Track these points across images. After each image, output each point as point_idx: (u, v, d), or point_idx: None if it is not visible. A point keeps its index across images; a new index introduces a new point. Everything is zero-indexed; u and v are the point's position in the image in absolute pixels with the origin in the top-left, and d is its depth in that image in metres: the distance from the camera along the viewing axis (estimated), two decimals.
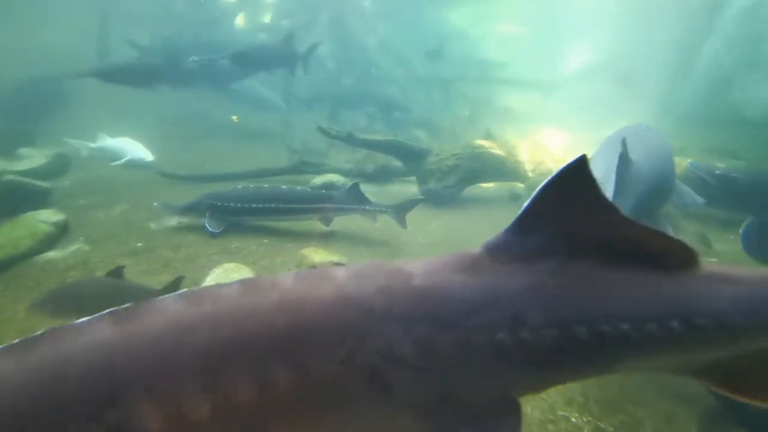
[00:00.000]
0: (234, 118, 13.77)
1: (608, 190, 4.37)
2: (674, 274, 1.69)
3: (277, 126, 14.59)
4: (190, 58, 10.60)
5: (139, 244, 6.45)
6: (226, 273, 4.93)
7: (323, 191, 7.44)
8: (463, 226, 7.84)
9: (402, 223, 7.03)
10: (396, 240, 7.10)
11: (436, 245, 6.90)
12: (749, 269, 1.80)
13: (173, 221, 7.41)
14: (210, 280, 4.78)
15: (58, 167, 9.36)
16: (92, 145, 9.35)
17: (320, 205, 7.00)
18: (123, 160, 8.86)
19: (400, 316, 1.51)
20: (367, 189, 9.36)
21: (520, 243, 1.71)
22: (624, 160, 4.49)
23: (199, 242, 6.62)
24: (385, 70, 20.27)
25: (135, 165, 9.09)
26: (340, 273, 1.66)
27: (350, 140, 9.60)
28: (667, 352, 1.70)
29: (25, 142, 10.45)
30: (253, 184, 7.53)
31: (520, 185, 9.26)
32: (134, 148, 9.06)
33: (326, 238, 7.02)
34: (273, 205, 6.85)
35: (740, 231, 6.61)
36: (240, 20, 24.88)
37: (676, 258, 1.70)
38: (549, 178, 1.66)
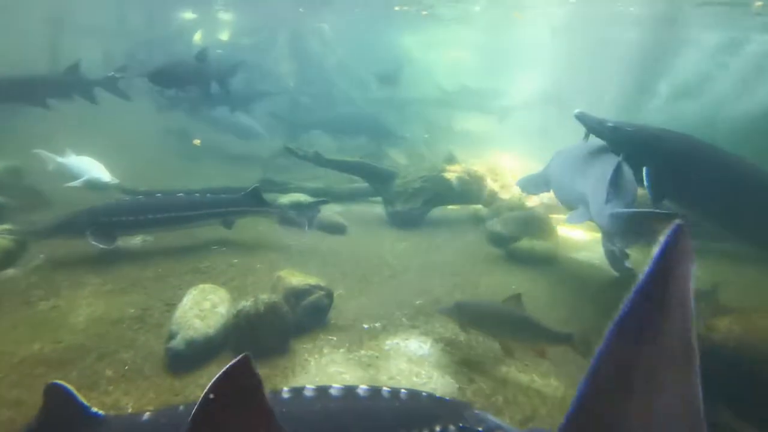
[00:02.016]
0: (196, 141, 13.46)
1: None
2: None
3: (262, 151, 14.22)
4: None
5: (103, 263, 6.22)
6: (202, 294, 4.83)
7: (222, 195, 7.26)
8: (429, 248, 7.95)
9: (304, 225, 7.19)
10: (367, 261, 7.12)
11: (407, 269, 6.94)
12: None
13: (138, 238, 7.22)
14: (187, 301, 4.67)
15: (11, 181, 8.94)
16: (60, 159, 8.91)
17: (220, 210, 6.92)
18: (79, 181, 8.44)
19: None
20: (333, 209, 9.46)
21: None
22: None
23: (168, 261, 6.48)
24: (342, 91, 20.40)
25: (92, 185, 8.73)
26: None
27: (317, 160, 9.61)
28: None
29: None
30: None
31: (484, 209, 9.47)
32: (93, 168, 8.64)
33: (294, 258, 6.98)
34: (169, 215, 6.50)
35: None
36: (198, 37, 24.58)
37: None
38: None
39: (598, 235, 8.80)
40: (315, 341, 4.80)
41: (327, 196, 10.04)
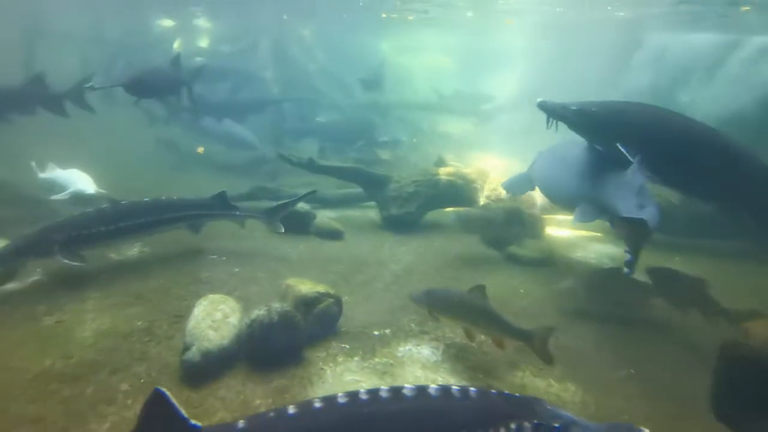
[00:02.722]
0: (200, 149, 13.24)
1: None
2: None
3: (256, 160, 14.19)
4: None
5: (103, 276, 6.16)
6: (213, 304, 4.79)
7: (189, 199, 7.05)
8: (428, 252, 7.98)
9: (276, 227, 7.18)
10: (368, 267, 7.12)
11: (409, 274, 6.96)
12: None
13: (134, 249, 7.13)
14: (198, 312, 4.63)
15: None
16: (41, 175, 8.67)
17: (187, 213, 6.78)
18: (65, 193, 8.19)
19: None
20: (327, 214, 9.45)
21: None
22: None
23: (168, 272, 6.41)
24: (326, 96, 20.39)
25: (78, 198, 8.55)
26: None
27: (311, 167, 9.58)
28: None
29: None
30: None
31: (476, 211, 9.51)
32: (79, 180, 8.39)
33: (294, 266, 6.95)
34: (138, 221, 6.22)
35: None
36: (177, 45, 24.32)
37: None
38: None
39: (588, 233, 9.02)
40: (328, 349, 4.79)
41: (319, 202, 10.06)
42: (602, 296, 6.20)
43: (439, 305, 4.70)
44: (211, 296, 4.97)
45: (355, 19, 23.56)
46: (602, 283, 6.50)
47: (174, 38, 24.68)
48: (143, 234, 6.51)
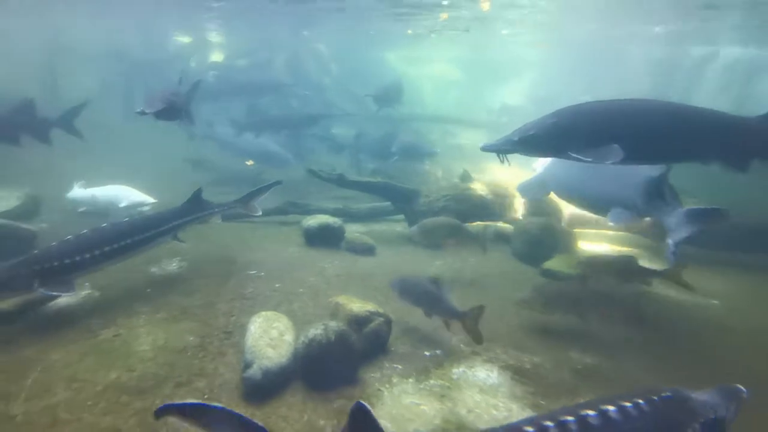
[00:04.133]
0: (249, 162, 13.26)
1: None
2: None
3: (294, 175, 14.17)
4: None
5: (149, 290, 6.24)
6: (267, 321, 4.81)
7: (166, 211, 6.71)
8: (463, 268, 7.99)
9: (252, 210, 7.37)
10: None
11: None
12: None
13: (174, 264, 7.20)
14: (255, 329, 4.65)
15: (32, 209, 8.87)
16: (67, 194, 8.58)
17: (168, 226, 6.47)
18: (123, 206, 8.22)
19: None
20: (355, 228, 9.49)
21: None
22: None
23: (211, 287, 6.46)
24: (341, 108, 20.54)
25: (134, 209, 8.56)
26: None
27: (341, 182, 9.65)
28: None
29: None
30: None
31: (507, 226, 9.54)
32: (130, 194, 8.41)
33: (332, 282, 6.94)
34: (124, 243, 5.82)
35: None
36: (194, 60, 24.60)
37: None
38: None
39: (623, 248, 9.02)
40: (381, 370, 4.78)
41: (346, 216, 10.11)
42: None
43: (403, 292, 5.44)
44: (264, 313, 5.00)
45: (372, 32, 23.74)
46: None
47: (190, 54, 25.02)
48: (128, 256, 6.04)
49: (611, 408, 2.43)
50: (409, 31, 22.50)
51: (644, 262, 8.27)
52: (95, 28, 22.21)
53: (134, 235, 5.96)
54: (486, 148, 5.89)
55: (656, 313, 6.45)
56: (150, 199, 8.42)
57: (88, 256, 5.44)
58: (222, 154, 15.19)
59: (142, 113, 6.75)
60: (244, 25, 22.88)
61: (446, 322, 5.11)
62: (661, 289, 7.16)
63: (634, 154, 5.28)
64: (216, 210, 7.13)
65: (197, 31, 25.37)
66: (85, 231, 5.67)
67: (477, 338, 4.83)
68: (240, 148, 14.73)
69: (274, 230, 9.57)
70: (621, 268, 6.40)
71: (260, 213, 7.54)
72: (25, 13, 19.10)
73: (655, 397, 2.60)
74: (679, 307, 6.81)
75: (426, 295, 5.22)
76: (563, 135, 5.39)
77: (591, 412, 2.40)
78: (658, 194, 6.21)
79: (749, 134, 5.01)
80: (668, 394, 2.68)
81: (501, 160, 5.98)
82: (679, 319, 6.46)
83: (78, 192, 8.72)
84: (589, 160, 5.25)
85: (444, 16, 18.42)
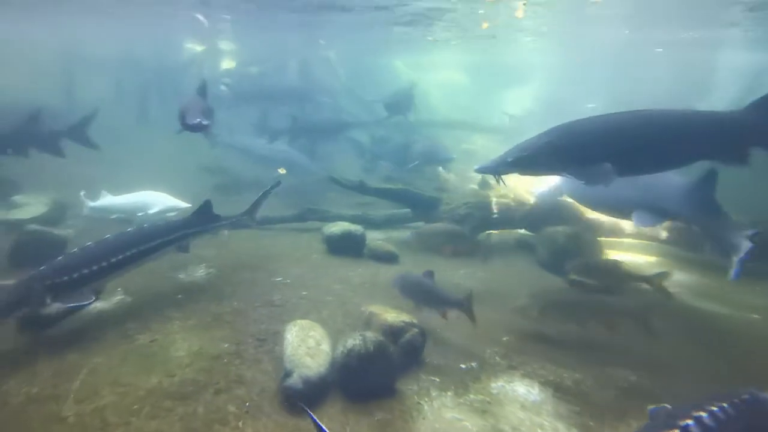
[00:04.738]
0: (282, 170, 13.14)
1: None
2: None
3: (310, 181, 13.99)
4: None
5: (180, 296, 6.24)
6: (303, 330, 4.79)
7: (174, 220, 6.66)
8: (489, 277, 7.87)
9: (256, 222, 7.55)
10: None
11: (477, 301, 6.85)
12: None
13: (201, 271, 7.20)
14: (292, 338, 4.63)
15: (58, 215, 8.92)
16: (92, 203, 8.49)
17: (177, 235, 6.29)
18: (156, 211, 8.08)
19: None
20: (374, 236, 9.45)
21: None
22: None
23: (239, 294, 6.45)
24: (352, 114, 20.57)
25: (168, 213, 8.47)
26: None
27: (362, 189, 9.65)
28: None
29: (11, 189, 9.87)
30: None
31: (528, 233, 9.49)
32: (163, 199, 8.24)
33: (358, 290, 6.88)
34: (130, 253, 5.63)
35: None
36: (207, 68, 24.73)
37: None
38: None
39: (652, 258, 8.93)
40: (418, 382, 4.72)
41: (365, 222, 10.06)
42: None
43: (403, 288, 5.69)
44: (299, 322, 4.98)
45: (388, 40, 23.85)
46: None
47: (203, 61, 25.16)
48: (135, 266, 5.85)
49: (713, 410, 2.48)
50: (430, 38, 22.56)
51: (676, 273, 8.32)
52: (110, 37, 22.45)
53: (141, 244, 5.76)
54: (481, 170, 5.96)
55: (695, 327, 6.37)
56: (182, 204, 8.33)
57: (95, 267, 5.23)
58: (241, 162, 15.15)
59: (193, 128, 6.66)
60: (256, 33, 23.01)
61: (443, 313, 5.41)
62: (696, 302, 7.10)
63: (631, 167, 5.37)
64: (223, 223, 6.99)
65: (209, 37, 25.53)
66: (90, 244, 5.46)
67: (473, 319, 5.31)
68: (261, 155, 14.66)
69: (294, 237, 9.56)
70: (606, 272, 6.58)
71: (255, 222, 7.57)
72: (43, 22, 19.33)
73: (740, 400, 2.64)
74: (718, 321, 6.70)
75: (426, 289, 5.51)
76: (557, 154, 5.41)
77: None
78: (703, 203, 6.22)
79: (738, 127, 5.06)
80: (748, 396, 2.71)
81: (497, 181, 6.01)
82: (719, 334, 6.34)
83: (108, 199, 8.64)
84: (583, 181, 5.35)
85: (485, 25, 18.58)
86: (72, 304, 5.07)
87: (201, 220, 6.70)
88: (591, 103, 19.07)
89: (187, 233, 6.46)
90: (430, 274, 5.61)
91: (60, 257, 5.26)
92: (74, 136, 8.89)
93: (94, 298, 5.17)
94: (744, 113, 5.06)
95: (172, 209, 8.42)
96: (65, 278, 5.01)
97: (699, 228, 7.01)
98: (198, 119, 6.37)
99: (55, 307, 5.02)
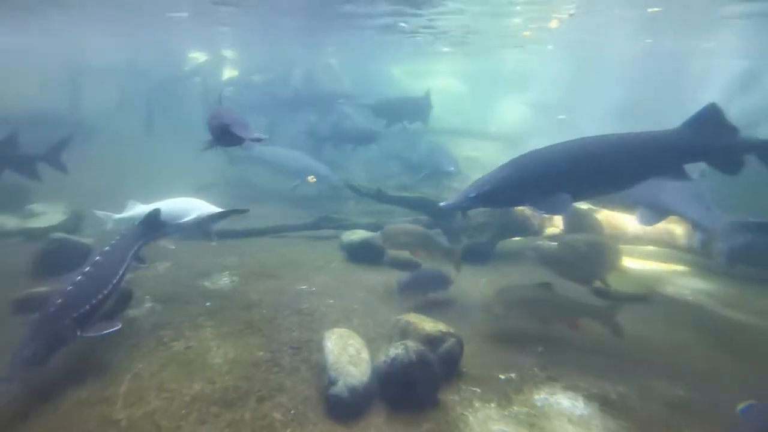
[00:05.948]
0: (311, 178, 13.01)
1: None
2: None
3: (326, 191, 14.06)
4: None
5: (208, 304, 6.19)
6: (342, 339, 4.73)
7: (125, 234, 5.91)
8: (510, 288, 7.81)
9: (210, 238, 7.44)
10: (457, 301, 6.95)
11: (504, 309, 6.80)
12: None
13: (225, 279, 7.14)
14: (333, 347, 4.57)
15: (75, 224, 8.85)
16: (117, 216, 8.06)
17: (132, 252, 5.70)
18: (189, 219, 7.55)
19: None
20: None
21: None
22: None
23: (266, 301, 6.38)
24: (356, 121, 20.57)
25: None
26: None
27: (379, 197, 9.62)
28: None
29: (25, 198, 9.81)
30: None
31: (549, 243, 9.40)
32: (200, 206, 7.69)
33: (385, 299, 6.80)
34: (126, 266, 5.35)
35: None
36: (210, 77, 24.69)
37: None
38: None
39: (672, 266, 8.94)
40: (459, 392, 4.66)
41: (379, 230, 9.98)
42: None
43: (392, 239, 7.13)
44: (337, 330, 4.94)
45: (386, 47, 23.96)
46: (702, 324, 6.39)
47: (206, 70, 25.08)
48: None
49: None
50: (445, 49, 22.67)
51: (695, 280, 8.33)
52: (114, 47, 22.42)
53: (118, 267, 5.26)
54: (446, 207, 6.01)
55: (724, 336, 6.34)
56: (218, 210, 7.93)
57: (105, 291, 4.90)
58: (258, 172, 15.06)
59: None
60: (259, 41, 23.07)
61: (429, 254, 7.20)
62: (721, 310, 7.09)
63: (583, 193, 5.59)
64: (170, 231, 6.83)
65: (211, 46, 25.57)
66: (80, 277, 4.83)
67: (458, 269, 6.97)
68: (280, 165, 14.45)
69: (311, 245, 9.52)
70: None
71: (214, 243, 7.51)
72: (48, 32, 19.33)
73: None
74: (746, 329, 6.70)
75: (418, 236, 7.06)
76: (515, 187, 5.48)
77: None
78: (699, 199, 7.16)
79: (677, 144, 5.17)
80: None
81: (462, 215, 6.03)
82: (749, 343, 6.33)
83: (139, 208, 8.15)
84: (543, 212, 5.57)
85: (526, 34, 18.92)
86: (103, 332, 4.63)
87: (147, 232, 6.15)
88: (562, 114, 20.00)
89: (141, 244, 5.97)
90: (418, 221, 6.73)
91: (68, 285, 4.73)
92: (49, 159, 8.66)
93: (120, 325, 4.76)
94: (679, 131, 5.16)
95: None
96: (87, 307, 4.64)
97: (690, 221, 7.70)
98: (255, 133, 5.92)
99: (86, 338, 4.60)
